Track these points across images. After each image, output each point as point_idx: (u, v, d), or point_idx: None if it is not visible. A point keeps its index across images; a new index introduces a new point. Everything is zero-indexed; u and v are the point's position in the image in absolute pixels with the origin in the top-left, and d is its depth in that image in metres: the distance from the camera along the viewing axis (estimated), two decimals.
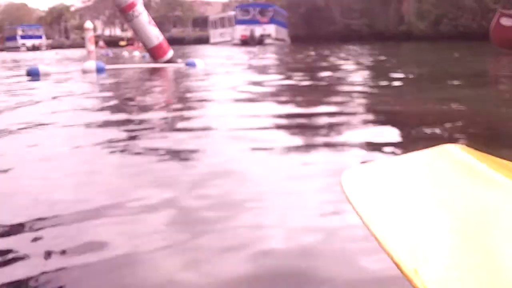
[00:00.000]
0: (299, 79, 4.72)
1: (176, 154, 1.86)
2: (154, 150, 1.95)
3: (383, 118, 2.47)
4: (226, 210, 1.25)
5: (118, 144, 2.12)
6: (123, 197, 1.37)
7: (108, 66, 6.82)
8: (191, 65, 7.00)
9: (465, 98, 3.14)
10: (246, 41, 30.54)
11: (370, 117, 2.52)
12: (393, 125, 2.24)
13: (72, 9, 67.65)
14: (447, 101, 3.02)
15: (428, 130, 2.17)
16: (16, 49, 45.14)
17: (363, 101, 3.03)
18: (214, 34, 40.99)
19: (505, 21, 8.37)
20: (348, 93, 3.48)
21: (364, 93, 3.50)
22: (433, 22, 29.52)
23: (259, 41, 30.64)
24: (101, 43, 43.97)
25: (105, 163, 1.84)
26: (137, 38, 7.72)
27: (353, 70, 5.54)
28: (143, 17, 7.08)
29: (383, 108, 2.74)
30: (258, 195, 1.35)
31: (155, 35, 7.21)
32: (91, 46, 17.94)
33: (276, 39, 33.41)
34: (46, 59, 14.73)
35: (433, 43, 22.23)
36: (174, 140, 2.12)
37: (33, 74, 5.97)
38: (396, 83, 4.19)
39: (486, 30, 9.52)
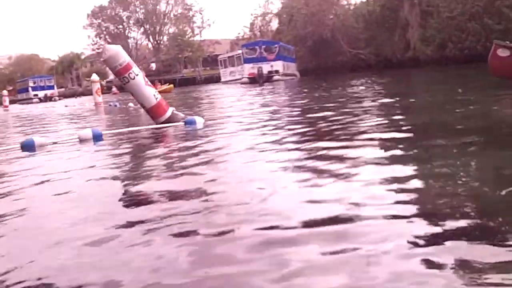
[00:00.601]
0: (308, 146, 4.42)
1: None
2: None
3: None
4: None
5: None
6: None
7: (105, 132, 6.70)
8: (190, 123, 6.86)
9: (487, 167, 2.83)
10: (255, 79, 30.66)
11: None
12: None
13: (83, 57, 69.00)
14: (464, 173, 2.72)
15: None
16: (28, 100, 45.92)
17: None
18: (225, 73, 41.64)
19: (501, 52, 8.50)
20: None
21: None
22: (438, 47, 29.45)
23: (267, 78, 30.71)
24: (114, 89, 44.59)
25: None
26: (134, 99, 7.60)
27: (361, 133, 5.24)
28: (139, 79, 6.98)
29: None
30: None
31: (153, 95, 7.10)
32: (98, 98, 18.21)
33: (285, 74, 33.58)
34: (50, 117, 14.79)
35: (440, 69, 22.09)
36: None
37: (28, 147, 5.86)
38: (406, 148, 3.88)
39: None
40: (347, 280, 1.52)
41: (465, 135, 3.95)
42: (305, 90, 15.17)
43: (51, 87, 49.21)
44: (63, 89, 59.82)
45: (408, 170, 2.80)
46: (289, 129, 5.44)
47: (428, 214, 2.01)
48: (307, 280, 1.55)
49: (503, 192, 2.19)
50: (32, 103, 42.95)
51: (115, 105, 17.04)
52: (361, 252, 1.70)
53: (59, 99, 44.69)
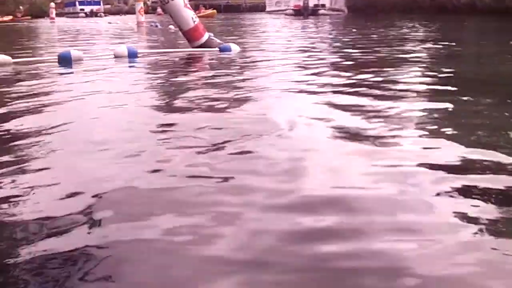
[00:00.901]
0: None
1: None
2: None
3: None
4: None
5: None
6: None
7: (140, 50, 6.71)
8: (225, 50, 6.79)
9: None
10: (299, 12, 29.81)
11: None
12: None
13: None
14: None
15: None
16: (75, 14, 46.29)
17: None
18: (270, 3, 40.64)
19: None
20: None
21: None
22: None
23: (313, 12, 29.81)
24: (158, 10, 44.17)
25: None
26: (173, 21, 7.54)
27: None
28: (179, 0, 6.88)
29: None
30: None
31: (191, 18, 7.00)
32: (141, 17, 18.19)
33: (331, 9, 32.45)
34: (92, 32, 14.87)
35: (497, 19, 20.95)
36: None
37: (64, 59, 5.93)
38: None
39: None
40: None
41: (507, 89, 3.74)
42: (350, 28, 14.69)
43: (98, 3, 49.37)
44: (109, 6, 59.68)
45: (444, 125, 2.59)
46: (326, 68, 5.19)
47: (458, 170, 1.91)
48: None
49: None
50: (78, 17, 43.29)
51: (156, 26, 16.98)
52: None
53: (105, 16, 44.77)
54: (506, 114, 2.85)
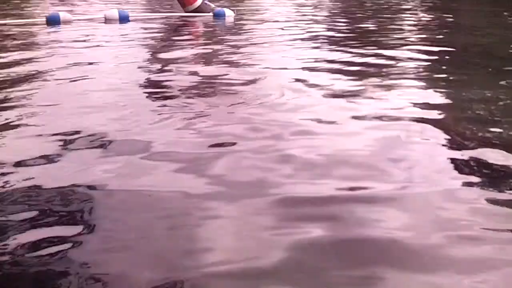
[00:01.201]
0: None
1: None
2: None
3: None
4: None
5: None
6: None
7: (132, 14, 6.59)
8: (219, 15, 6.69)
9: None
10: None
11: None
12: None
13: None
14: None
15: None
16: None
17: None
18: None
19: None
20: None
21: None
22: None
23: None
24: None
25: None
26: None
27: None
28: None
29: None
30: None
31: None
32: None
33: None
34: None
35: None
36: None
37: (53, 22, 5.83)
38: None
39: None
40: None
41: (499, 61, 3.69)
42: None
43: None
44: None
45: (436, 92, 2.60)
46: (325, 34, 5.09)
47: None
48: None
49: None
50: None
51: None
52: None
53: None
54: (489, 86, 2.80)
